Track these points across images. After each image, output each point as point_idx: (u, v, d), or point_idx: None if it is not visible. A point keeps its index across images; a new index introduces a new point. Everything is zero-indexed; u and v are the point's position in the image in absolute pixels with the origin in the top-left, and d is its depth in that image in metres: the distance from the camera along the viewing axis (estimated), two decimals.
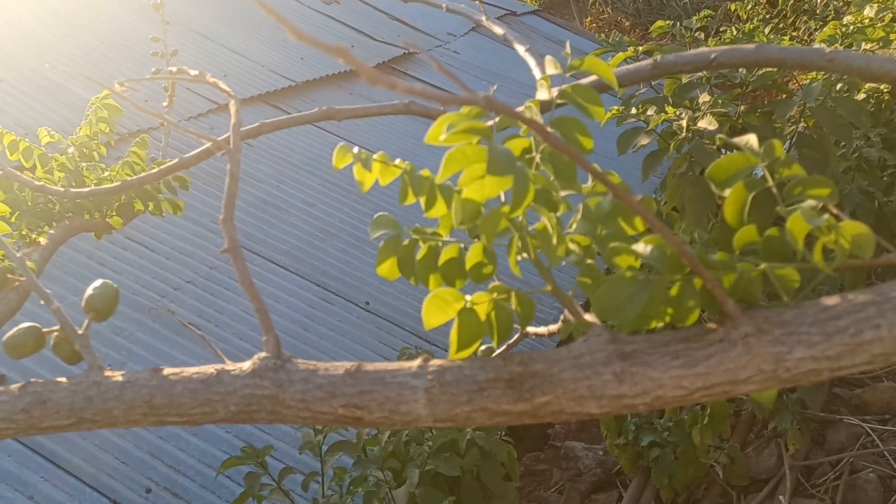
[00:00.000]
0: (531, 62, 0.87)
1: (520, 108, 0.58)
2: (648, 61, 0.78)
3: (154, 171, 0.87)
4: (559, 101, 0.57)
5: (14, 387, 0.61)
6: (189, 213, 4.00)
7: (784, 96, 3.00)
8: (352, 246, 4.32)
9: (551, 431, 4.04)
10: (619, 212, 0.53)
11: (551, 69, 0.59)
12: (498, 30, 1.04)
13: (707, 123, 2.63)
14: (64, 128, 3.93)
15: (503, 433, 2.94)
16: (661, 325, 0.49)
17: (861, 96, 2.86)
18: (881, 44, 2.86)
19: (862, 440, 3.11)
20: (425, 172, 0.57)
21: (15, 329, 0.64)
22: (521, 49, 0.92)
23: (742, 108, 2.93)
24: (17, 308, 1.03)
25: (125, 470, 2.71)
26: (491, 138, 0.48)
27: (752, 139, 0.58)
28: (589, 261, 0.54)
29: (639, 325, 0.48)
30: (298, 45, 6.53)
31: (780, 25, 3.81)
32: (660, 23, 3.14)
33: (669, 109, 2.65)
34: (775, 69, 2.90)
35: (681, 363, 0.47)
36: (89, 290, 0.66)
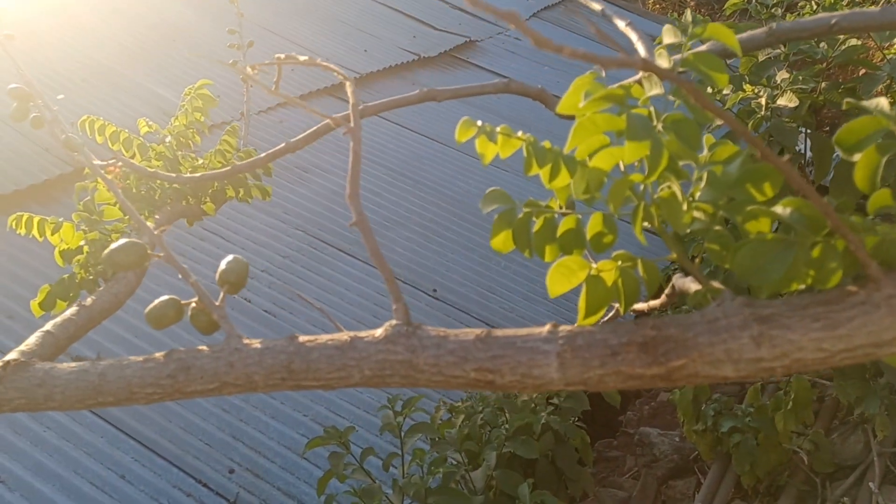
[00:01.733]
0: (633, 36, 0.86)
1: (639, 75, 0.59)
2: (763, 29, 0.77)
3: (271, 151, 0.91)
4: (680, 70, 0.57)
5: (158, 355, 0.65)
6: (260, 205, 4.11)
7: (865, 72, 2.88)
8: (418, 234, 4.36)
9: (623, 418, 4.00)
10: (748, 178, 0.53)
11: (669, 37, 0.60)
12: (596, 5, 1.04)
13: (787, 101, 2.55)
14: (121, 111, 4.07)
15: (577, 418, 2.94)
16: (801, 287, 0.49)
17: None
18: None
19: None
20: (546, 144, 0.58)
21: (157, 301, 0.68)
22: (621, 24, 0.92)
23: (823, 84, 2.83)
24: (135, 288, 1.09)
25: (209, 451, 2.82)
26: (626, 104, 0.49)
27: (882, 102, 0.57)
28: (716, 228, 0.54)
29: (781, 286, 0.49)
30: (361, 37, 6.59)
31: None
32: (733, 0, 3.05)
33: (747, 87, 2.58)
34: (860, 43, 2.79)
35: (821, 325, 0.47)
36: (222, 265, 0.69)
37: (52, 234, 1.21)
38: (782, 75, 2.83)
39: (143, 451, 2.74)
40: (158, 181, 1.55)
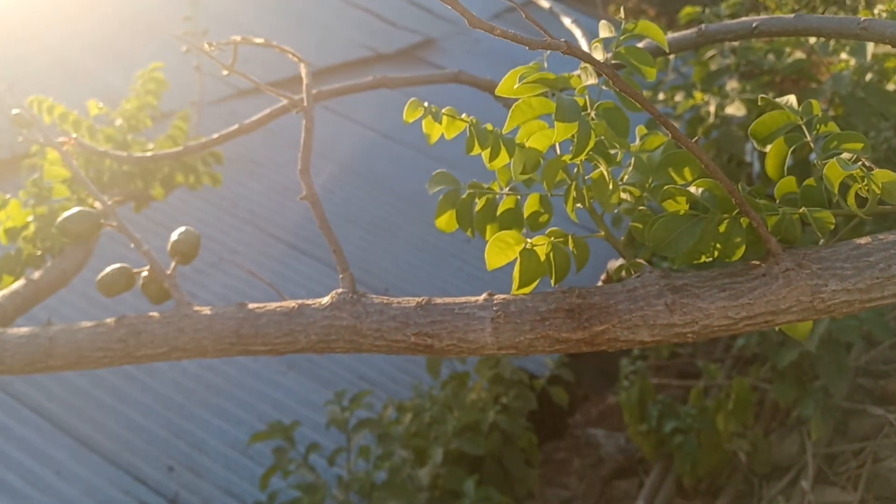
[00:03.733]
0: (577, 33, 0.91)
1: (578, 70, 0.63)
2: (693, 30, 0.83)
3: (225, 132, 0.93)
4: (614, 62, 0.62)
5: (109, 320, 0.67)
6: (209, 197, 4.06)
7: (813, 85, 3.01)
8: (370, 233, 4.35)
9: (571, 421, 4.07)
10: (669, 163, 0.58)
11: (605, 32, 0.64)
12: (544, 3, 1.09)
13: (735, 110, 2.66)
14: (68, 98, 3.99)
15: (524, 418, 2.99)
16: (709, 260, 0.54)
17: (892, 87, 2.87)
18: None
19: (885, 430, 3.12)
20: (489, 126, 0.62)
21: (108, 269, 0.70)
22: (567, 20, 0.97)
23: (771, 95, 2.95)
24: (84, 264, 1.10)
25: (148, 449, 2.77)
26: (558, 89, 0.53)
27: (792, 99, 0.63)
28: (641, 208, 0.59)
29: (690, 258, 0.54)
30: (317, 31, 6.56)
31: (807, 13, 3.78)
32: (688, 9, 3.16)
33: (698, 95, 2.69)
34: (806, 57, 2.91)
35: (727, 295, 0.52)
36: (174, 236, 0.72)
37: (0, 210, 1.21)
38: (732, 84, 2.95)
39: (78, 448, 2.68)
40: (108, 162, 1.55)
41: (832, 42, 2.79)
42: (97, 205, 1.37)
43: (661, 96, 2.86)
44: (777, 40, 3.26)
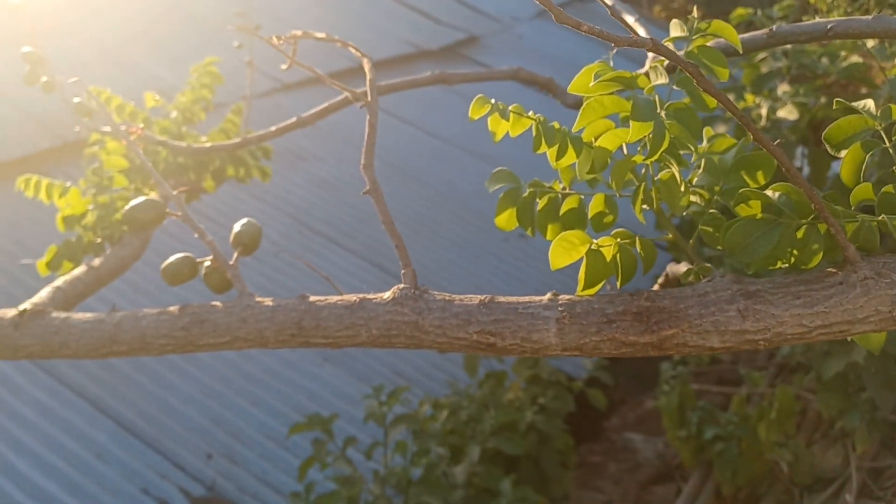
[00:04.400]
0: (641, 31, 0.90)
1: (646, 68, 0.62)
2: (764, 31, 0.81)
3: (283, 125, 0.94)
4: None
5: (173, 308, 0.69)
6: (250, 189, 4.10)
7: (865, 90, 2.93)
8: (410, 229, 4.37)
9: (607, 424, 4.04)
10: (743, 165, 0.57)
11: (676, 31, 0.63)
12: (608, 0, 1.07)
13: (787, 113, 2.60)
14: (127, 94, 4.06)
15: (562, 420, 2.97)
16: (784, 266, 0.53)
17: None
18: None
19: None
20: (555, 124, 0.62)
21: (173, 258, 0.71)
22: (630, 18, 0.95)
23: (823, 99, 2.88)
24: (141, 253, 1.12)
25: (187, 436, 2.82)
26: (635, 88, 0.53)
27: (869, 103, 0.61)
28: (711, 211, 0.57)
29: (766, 263, 0.52)
30: (363, 27, 6.59)
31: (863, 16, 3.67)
32: (740, 11, 3.10)
33: (749, 97, 2.63)
34: (862, 61, 2.84)
35: (802, 302, 0.51)
36: (237, 227, 0.73)
37: (60, 198, 1.24)
38: (783, 88, 2.88)
39: (119, 432, 2.73)
40: (163, 154, 1.58)
41: (889, 45, 2.71)
42: (153, 194, 1.40)
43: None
44: (832, 43, 3.18)
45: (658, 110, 0.62)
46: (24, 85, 1.24)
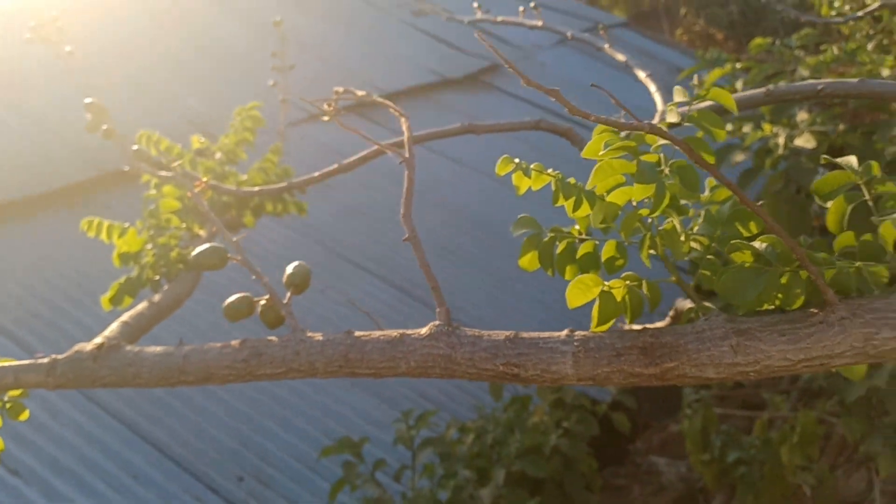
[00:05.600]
0: (651, 87, 0.99)
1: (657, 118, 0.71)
2: (762, 90, 0.90)
3: (325, 171, 1.04)
4: (686, 124, 0.69)
5: (234, 342, 0.78)
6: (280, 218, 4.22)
7: (884, 117, 2.98)
8: (435, 255, 4.45)
9: (631, 447, 4.07)
10: (736, 217, 0.65)
11: (679, 97, 0.72)
12: (620, 56, 1.17)
13: (805, 142, 2.66)
14: (149, 120, 4.23)
15: (586, 443, 3.02)
16: (771, 307, 0.61)
17: None
18: None
19: None
20: (571, 180, 0.70)
21: (233, 297, 0.81)
22: (641, 74, 1.04)
23: (841, 127, 2.93)
24: (193, 290, 1.22)
25: (219, 458, 2.89)
26: (638, 155, 0.61)
27: (852, 160, 0.69)
28: (709, 257, 0.66)
29: (755, 306, 0.60)
30: (387, 56, 6.74)
31: (885, 42, 3.73)
32: (759, 40, 3.17)
33: (766, 126, 2.70)
34: None
35: (787, 339, 0.59)
36: (289, 269, 0.82)
37: (119, 238, 1.35)
38: (802, 116, 2.94)
39: (154, 454, 2.82)
40: (209, 193, 1.69)
41: None
42: (202, 232, 1.51)
43: (728, 126, 2.88)
44: (849, 72, 3.24)
45: (662, 167, 0.70)
46: (86, 132, 1.36)
